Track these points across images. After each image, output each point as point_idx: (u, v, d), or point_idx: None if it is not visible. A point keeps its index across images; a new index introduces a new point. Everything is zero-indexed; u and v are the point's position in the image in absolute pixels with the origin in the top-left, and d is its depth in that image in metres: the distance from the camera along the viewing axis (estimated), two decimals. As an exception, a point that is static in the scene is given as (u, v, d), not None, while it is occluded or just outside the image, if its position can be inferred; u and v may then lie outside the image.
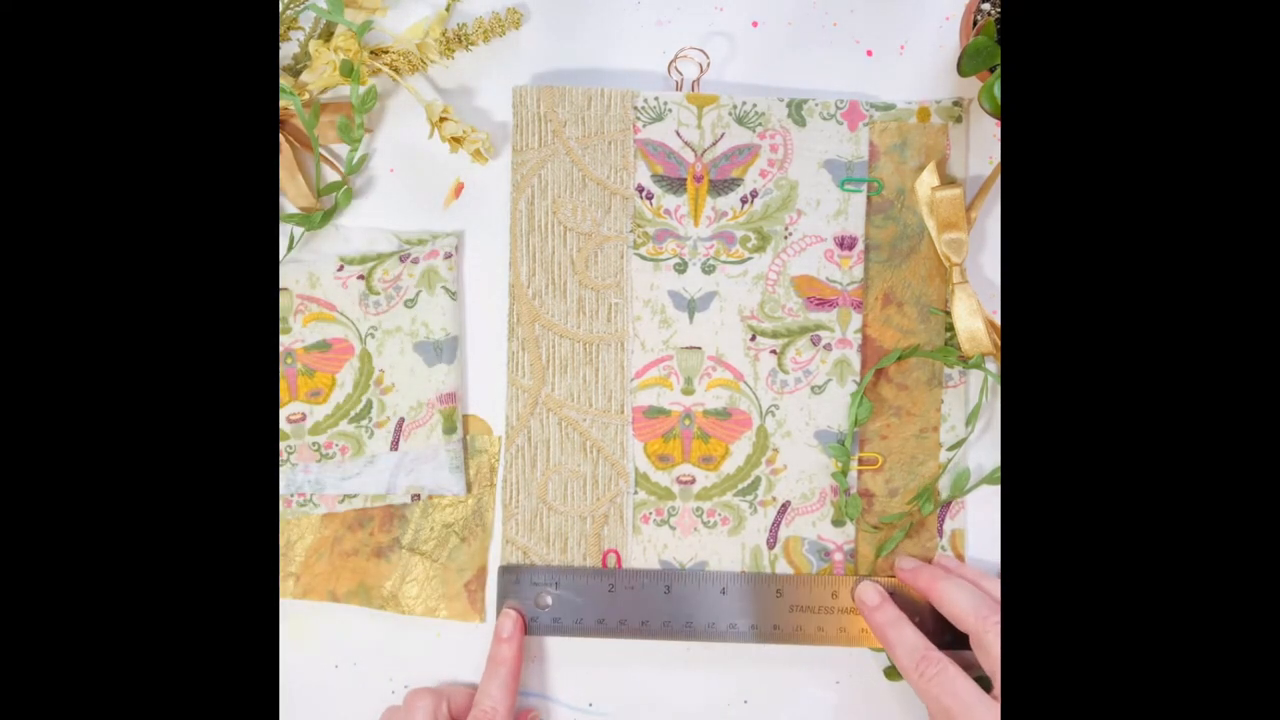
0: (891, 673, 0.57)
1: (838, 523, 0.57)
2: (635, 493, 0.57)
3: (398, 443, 0.57)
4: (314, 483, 0.57)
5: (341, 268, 0.57)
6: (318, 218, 0.57)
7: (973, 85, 0.58)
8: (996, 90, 0.51)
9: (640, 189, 0.57)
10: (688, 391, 0.57)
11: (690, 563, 0.57)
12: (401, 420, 0.57)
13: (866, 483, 0.58)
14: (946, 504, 0.58)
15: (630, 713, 0.58)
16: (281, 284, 0.57)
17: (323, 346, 0.57)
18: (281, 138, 0.55)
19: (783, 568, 0.57)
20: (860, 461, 0.58)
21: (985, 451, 0.59)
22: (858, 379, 0.58)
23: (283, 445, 0.57)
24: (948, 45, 0.58)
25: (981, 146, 0.59)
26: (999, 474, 0.58)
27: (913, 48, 0.58)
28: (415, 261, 0.57)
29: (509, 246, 0.57)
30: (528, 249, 0.57)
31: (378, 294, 0.57)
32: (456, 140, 0.56)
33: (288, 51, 0.56)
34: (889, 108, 0.58)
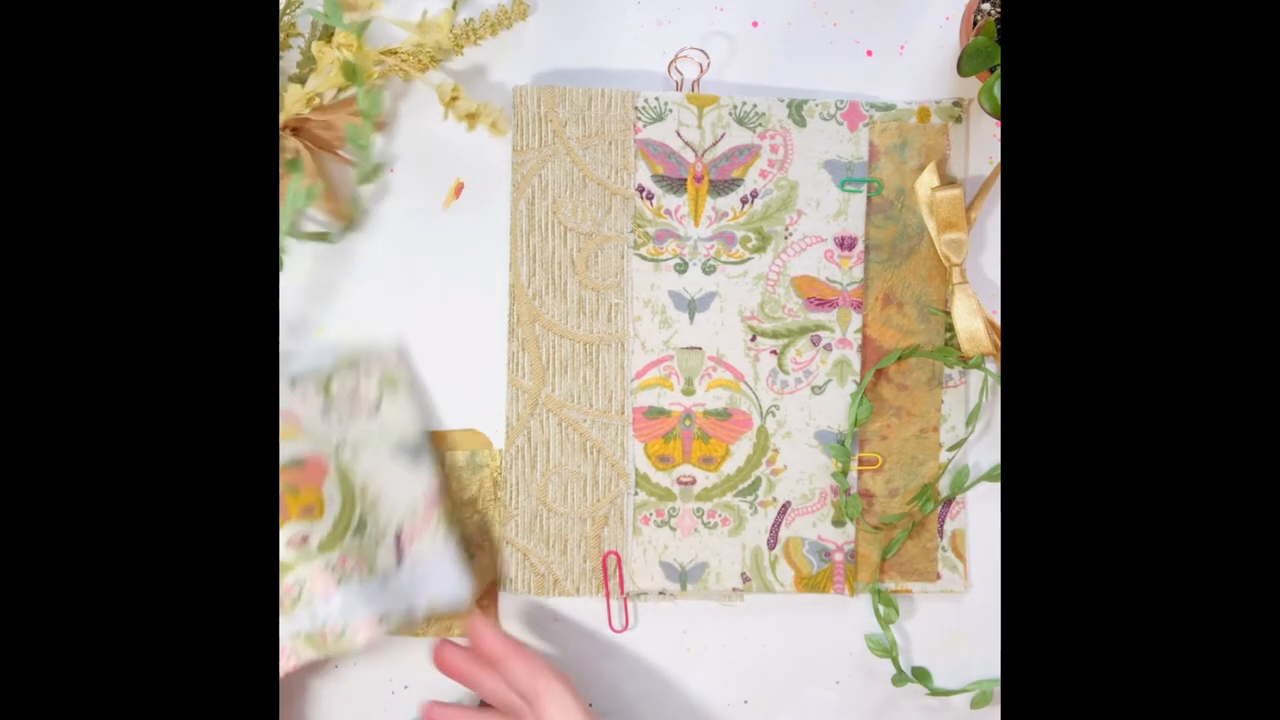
0: (899, 679, 0.57)
1: (838, 523, 0.57)
2: (635, 494, 0.57)
3: (402, 555, 0.54)
4: (344, 609, 0.52)
5: (295, 385, 0.54)
6: (336, 235, 0.56)
7: (973, 85, 0.58)
8: (996, 90, 0.51)
9: (640, 189, 0.57)
10: (688, 392, 0.57)
11: (690, 564, 0.57)
12: (400, 530, 0.54)
13: (866, 483, 0.58)
14: (946, 504, 0.58)
15: (630, 713, 0.58)
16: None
17: (297, 463, 0.54)
18: (299, 144, 0.55)
19: (783, 568, 0.57)
20: (860, 462, 0.58)
21: (985, 451, 0.59)
22: (858, 379, 0.58)
23: (290, 579, 0.52)
24: (948, 45, 0.58)
25: (981, 146, 0.58)
26: (999, 471, 0.58)
27: (913, 48, 0.58)
28: (369, 366, 0.55)
29: (509, 246, 0.57)
30: (528, 249, 0.57)
31: (339, 405, 0.55)
32: (471, 117, 0.55)
33: (291, 60, 0.56)
34: (889, 108, 0.58)
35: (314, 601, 0.52)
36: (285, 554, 0.52)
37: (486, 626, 0.54)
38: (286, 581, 0.52)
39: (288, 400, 0.54)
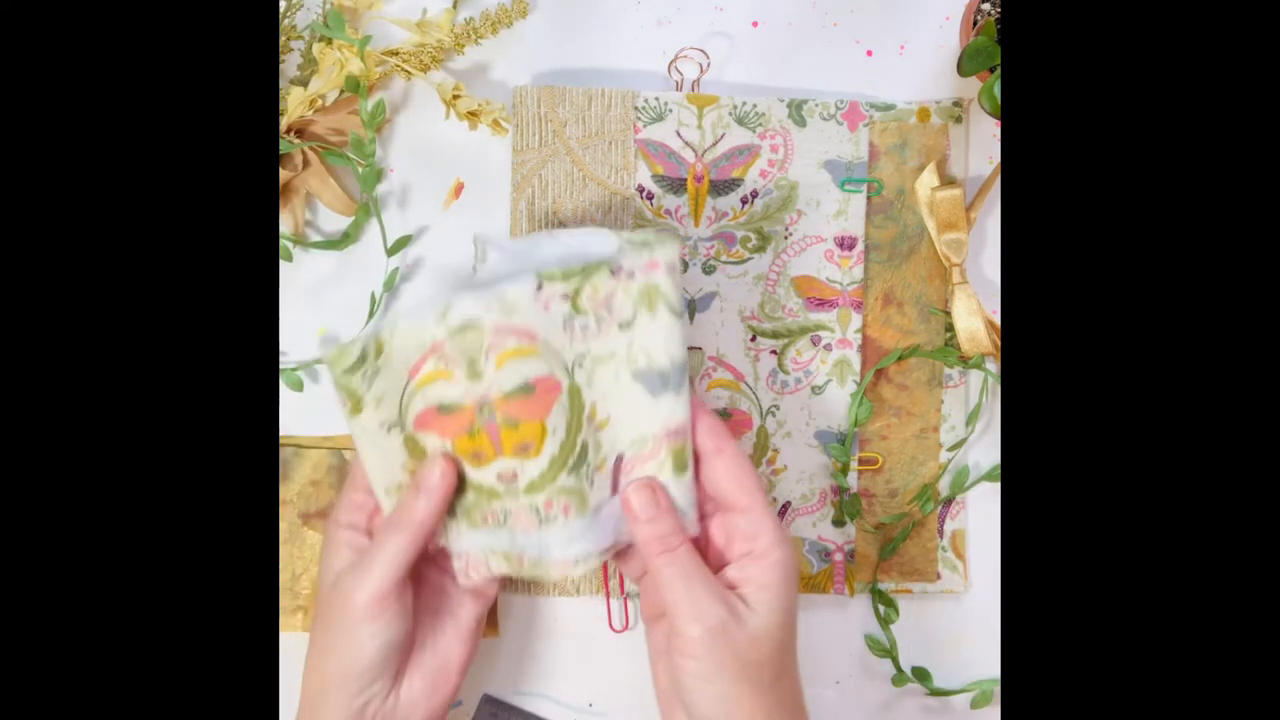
0: (899, 679, 0.57)
1: (838, 523, 0.57)
2: (635, 493, 0.57)
3: (618, 484, 0.49)
4: (539, 545, 0.49)
5: (541, 286, 0.47)
6: (343, 241, 0.56)
7: (973, 85, 0.58)
8: (996, 90, 0.51)
9: (641, 189, 0.57)
10: (688, 392, 0.57)
11: (690, 563, 0.57)
12: (620, 457, 0.49)
13: (866, 483, 0.58)
14: (947, 503, 0.58)
15: (630, 713, 0.58)
16: (472, 313, 0.47)
17: (525, 390, 0.47)
18: (306, 148, 0.55)
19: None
20: (860, 462, 0.58)
21: (985, 451, 0.59)
22: (858, 379, 0.58)
23: (496, 506, 0.49)
24: (948, 45, 0.58)
25: (981, 146, 0.59)
26: (999, 471, 0.58)
27: (913, 48, 0.58)
28: (631, 276, 0.48)
29: (509, 247, 0.57)
30: (528, 249, 0.57)
31: (585, 314, 0.48)
32: (473, 115, 0.55)
33: (293, 63, 0.56)
34: (889, 108, 0.58)
35: (515, 530, 0.49)
36: (494, 485, 0.48)
37: None
38: (491, 508, 0.49)
39: (527, 311, 0.47)
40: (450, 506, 0.49)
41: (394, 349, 0.47)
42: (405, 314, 0.48)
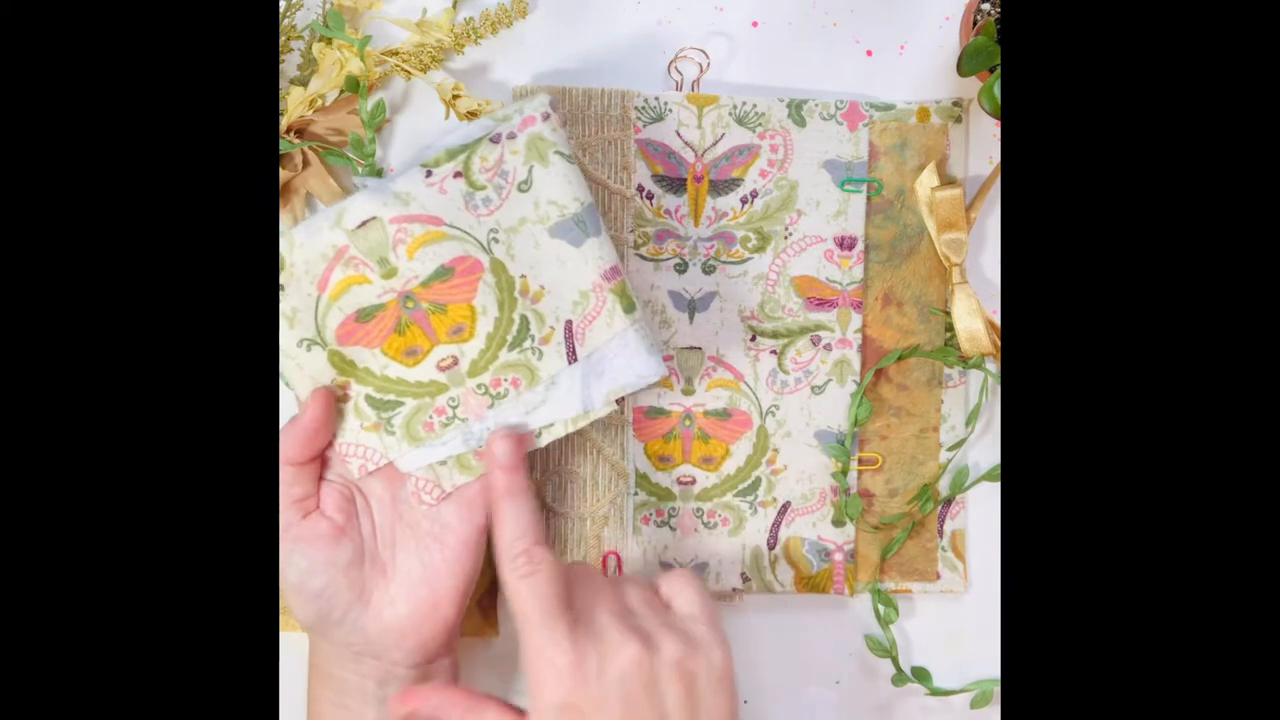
0: (899, 679, 0.57)
1: (838, 523, 0.57)
2: (635, 494, 0.57)
3: (574, 351, 0.50)
4: (496, 427, 0.50)
5: (430, 174, 0.49)
6: None
7: (973, 85, 0.58)
8: (996, 90, 0.51)
9: (640, 189, 0.57)
10: (688, 392, 0.57)
11: (690, 563, 0.57)
12: (569, 324, 0.50)
13: (866, 483, 0.58)
14: (947, 504, 0.58)
15: (630, 713, 0.58)
16: (368, 214, 0.48)
17: (443, 275, 0.49)
18: (306, 148, 0.55)
19: (783, 568, 0.57)
20: (860, 462, 0.58)
21: (985, 451, 0.59)
22: (858, 379, 0.58)
23: (443, 399, 0.50)
24: (948, 45, 0.58)
25: (981, 146, 0.59)
26: (999, 471, 0.58)
27: (913, 48, 0.58)
28: (512, 137, 0.50)
29: (509, 247, 0.57)
30: (528, 249, 0.57)
31: (483, 188, 0.49)
32: (473, 115, 0.55)
33: (293, 63, 0.56)
34: (889, 108, 0.58)
35: (469, 420, 0.50)
36: (435, 376, 0.49)
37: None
38: (438, 403, 0.50)
39: (423, 198, 0.49)
40: (386, 424, 0.49)
41: (295, 262, 0.48)
42: (300, 227, 0.48)
